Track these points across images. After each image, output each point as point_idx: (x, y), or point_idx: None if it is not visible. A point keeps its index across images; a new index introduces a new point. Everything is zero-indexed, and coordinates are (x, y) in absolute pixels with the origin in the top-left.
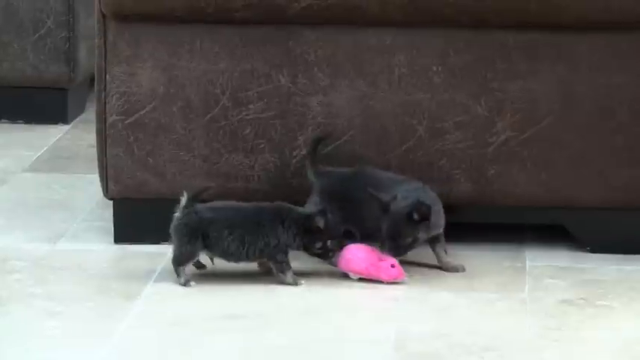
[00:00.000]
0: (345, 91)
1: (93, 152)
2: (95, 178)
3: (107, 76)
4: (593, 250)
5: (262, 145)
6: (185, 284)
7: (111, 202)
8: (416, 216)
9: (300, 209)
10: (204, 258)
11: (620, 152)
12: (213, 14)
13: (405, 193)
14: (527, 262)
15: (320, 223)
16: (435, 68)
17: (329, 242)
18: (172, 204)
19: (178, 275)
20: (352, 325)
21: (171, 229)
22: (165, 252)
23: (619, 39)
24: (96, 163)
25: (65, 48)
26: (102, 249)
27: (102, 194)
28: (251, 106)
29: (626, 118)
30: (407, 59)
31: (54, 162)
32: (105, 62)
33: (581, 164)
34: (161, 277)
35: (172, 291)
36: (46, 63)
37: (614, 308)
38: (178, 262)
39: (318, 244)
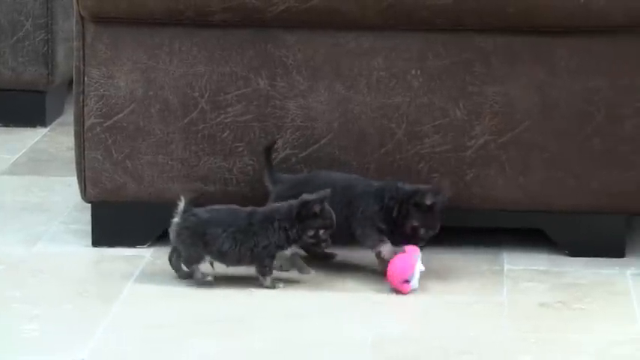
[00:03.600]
0: (323, 94)
1: (71, 155)
2: (73, 180)
3: (85, 79)
4: (571, 254)
5: (241, 149)
6: (202, 279)
7: (89, 205)
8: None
9: (292, 202)
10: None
11: (597, 156)
12: (191, 17)
13: (392, 185)
14: (505, 265)
15: (317, 208)
16: (413, 72)
17: (321, 232)
18: (150, 207)
19: (194, 273)
20: (330, 329)
21: (173, 235)
22: (143, 255)
23: (597, 43)
24: (74, 166)
25: (43, 50)
26: (80, 252)
27: (80, 197)
28: (229, 109)
29: (604, 122)
30: (385, 63)
31: (32, 165)
32: (83, 65)
33: (559, 168)
34: (139, 280)
35: (151, 294)
36: (24, 65)
37: (591, 311)
38: (189, 262)
39: (310, 232)
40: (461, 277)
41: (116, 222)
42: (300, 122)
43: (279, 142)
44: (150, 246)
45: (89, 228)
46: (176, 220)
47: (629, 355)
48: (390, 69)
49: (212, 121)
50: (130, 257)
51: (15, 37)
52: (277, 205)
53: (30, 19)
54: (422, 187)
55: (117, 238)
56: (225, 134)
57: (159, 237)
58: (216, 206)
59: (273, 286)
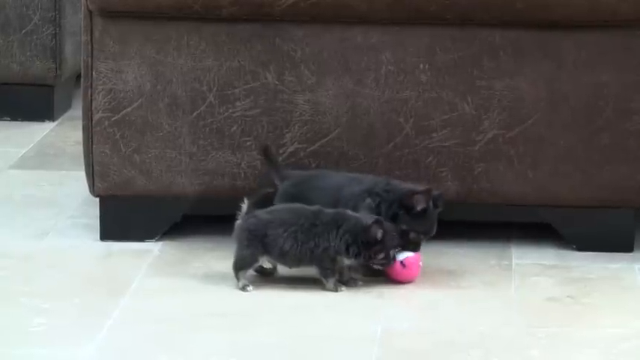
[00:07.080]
0: (331, 88)
1: (79, 149)
2: (81, 175)
3: (93, 73)
4: (580, 248)
5: (249, 143)
6: (243, 288)
7: (97, 200)
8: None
9: (359, 218)
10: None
11: (606, 150)
12: (199, 11)
13: (382, 186)
14: (514, 260)
15: (378, 234)
16: (421, 66)
17: (391, 251)
18: (158, 201)
19: (237, 279)
20: (338, 323)
21: (234, 237)
22: (151, 249)
23: (605, 37)
24: (82, 160)
25: (51, 44)
26: (88, 246)
27: (88, 191)
28: (238, 104)
29: (612, 116)
30: (394, 57)
31: (40, 159)
32: (91, 59)
33: (567, 162)
34: (147, 274)
35: (159, 288)
36: (32, 59)
37: (600, 306)
38: (237, 267)
39: (381, 255)
40: (469, 272)
41: (124, 216)
42: (308, 117)
43: (287, 137)
44: (158, 240)
45: (97, 222)
46: (238, 222)
47: (638, 349)
48: (398, 63)
49: (220, 115)
50: (139, 251)
51: (23, 31)
52: (348, 213)
53: (38, 13)
54: (415, 188)
55: (125, 232)
56: (234, 128)
57: (167, 231)
58: (278, 206)
59: (335, 290)
